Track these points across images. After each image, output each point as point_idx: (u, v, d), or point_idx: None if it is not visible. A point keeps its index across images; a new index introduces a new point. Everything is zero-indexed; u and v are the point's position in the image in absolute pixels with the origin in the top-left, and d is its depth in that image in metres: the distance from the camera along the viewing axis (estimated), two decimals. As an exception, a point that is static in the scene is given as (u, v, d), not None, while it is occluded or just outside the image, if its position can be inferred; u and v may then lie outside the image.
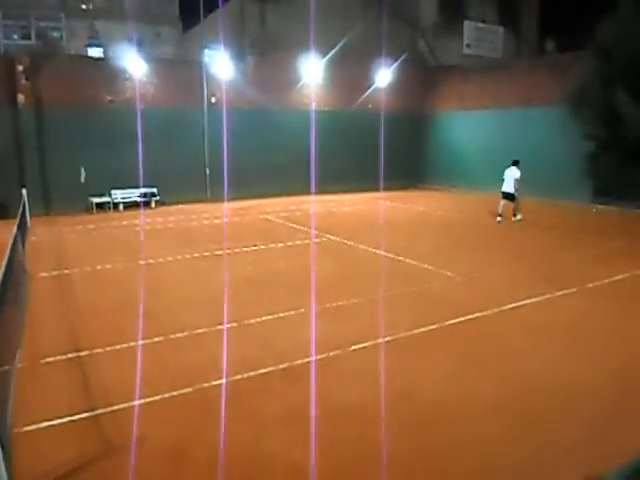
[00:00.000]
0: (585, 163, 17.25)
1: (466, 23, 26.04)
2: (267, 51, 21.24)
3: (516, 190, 15.21)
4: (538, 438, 4.63)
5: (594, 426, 4.82)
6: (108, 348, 6.54)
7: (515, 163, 15.53)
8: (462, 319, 7.53)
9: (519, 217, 15.58)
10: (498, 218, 15.54)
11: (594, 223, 15.82)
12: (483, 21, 26.71)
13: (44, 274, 10.07)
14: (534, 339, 6.94)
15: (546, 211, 17.57)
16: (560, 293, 8.73)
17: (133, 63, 18.18)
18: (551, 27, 26.09)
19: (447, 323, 7.36)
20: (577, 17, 19.96)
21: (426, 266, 10.43)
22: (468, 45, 26.02)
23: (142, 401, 5.21)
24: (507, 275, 9.99)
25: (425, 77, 24.67)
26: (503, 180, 15.59)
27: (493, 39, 26.95)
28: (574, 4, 22.27)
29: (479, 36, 26.44)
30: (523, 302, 8.26)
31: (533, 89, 20.09)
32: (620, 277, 9.65)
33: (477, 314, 7.73)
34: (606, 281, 9.41)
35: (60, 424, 4.85)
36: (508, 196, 15.46)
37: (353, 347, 6.53)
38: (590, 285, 9.16)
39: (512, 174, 15.33)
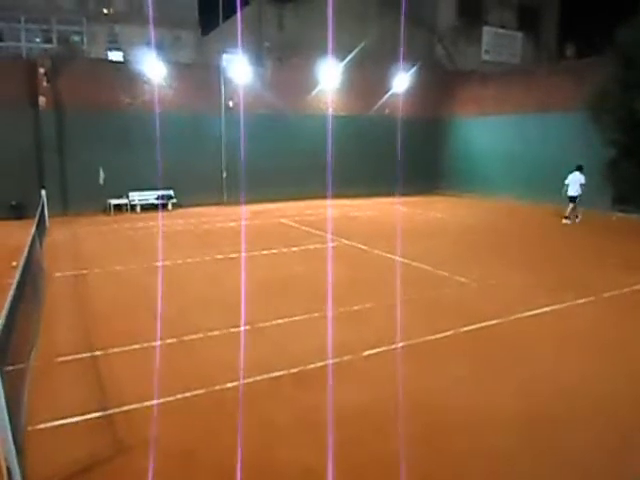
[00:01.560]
0: (605, 170, 17.01)
1: (485, 29, 25.93)
2: (285, 55, 21.33)
3: (580, 194, 16.08)
4: (552, 449, 4.54)
5: (611, 442, 4.72)
6: (122, 348, 6.57)
7: (579, 168, 16.22)
8: (477, 326, 7.44)
9: (578, 220, 16.40)
10: (565, 220, 16.38)
11: (614, 231, 15.57)
12: (502, 27, 26.57)
13: (61, 274, 10.17)
14: (550, 347, 6.83)
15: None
16: (578, 301, 8.59)
17: (152, 67, 18.38)
18: (570, 32, 25.89)
19: (462, 330, 7.27)
20: (597, 22, 19.77)
21: (441, 272, 10.34)
22: (487, 51, 25.88)
23: (154, 402, 5.21)
24: (524, 282, 9.86)
25: (443, 82, 24.56)
26: (566, 185, 16.30)
27: (512, 45, 26.78)
28: (594, 9, 22.06)
29: (498, 42, 26.30)
30: (540, 310, 8.14)
31: (552, 95, 19.90)
32: (640, 286, 9.48)
33: (493, 321, 7.63)
34: (626, 290, 9.24)
35: (73, 423, 4.87)
36: (572, 199, 16.26)
37: (367, 352, 6.48)
38: (609, 294, 9.00)
39: (577, 179, 16.12)
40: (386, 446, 4.50)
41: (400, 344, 6.70)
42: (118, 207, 18.32)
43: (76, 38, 24.14)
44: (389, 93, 22.67)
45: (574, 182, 16.12)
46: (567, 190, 16.21)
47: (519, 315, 7.92)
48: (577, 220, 16.35)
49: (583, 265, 11.29)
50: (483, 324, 7.51)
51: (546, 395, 5.51)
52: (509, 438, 4.72)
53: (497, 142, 22.34)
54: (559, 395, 5.52)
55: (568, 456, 4.46)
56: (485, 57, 25.82)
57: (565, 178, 16.39)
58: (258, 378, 5.77)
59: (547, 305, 8.34)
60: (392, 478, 4.13)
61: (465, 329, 7.30)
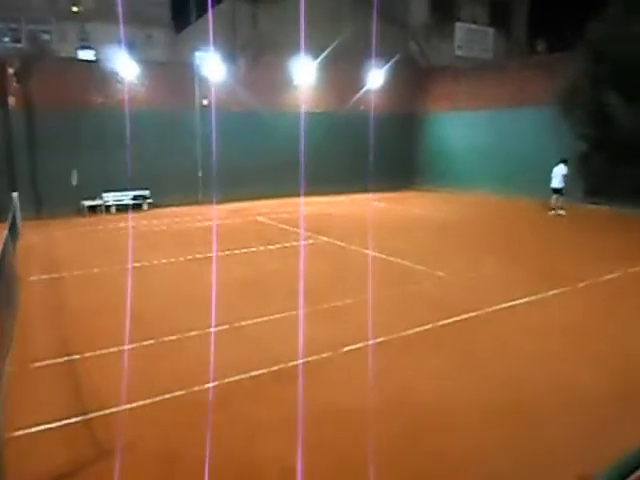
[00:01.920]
0: (576, 163, 17.32)
1: (457, 25, 26.12)
2: (259, 53, 21.22)
3: (563, 186, 16.56)
4: (533, 440, 4.63)
5: (589, 427, 4.83)
6: (99, 352, 6.50)
7: (564, 161, 16.68)
8: (455, 319, 7.53)
9: (562, 212, 16.64)
10: (551, 212, 16.75)
11: (586, 223, 15.89)
12: (474, 22, 26.80)
13: (36, 278, 10.00)
14: (528, 338, 6.95)
15: (537, 211, 17.63)
16: (554, 292, 8.75)
17: (125, 65, 18.12)
18: (541, 28, 26.22)
19: (440, 323, 7.36)
20: (567, 17, 20.07)
21: (419, 267, 10.43)
22: (459, 46, 26.09)
23: (134, 405, 5.17)
24: (500, 275, 10.01)
25: (416, 78, 24.72)
26: (552, 178, 16.81)
27: (484, 40, 27.04)
28: (564, 4, 22.39)
29: (470, 37, 26.52)
30: (517, 302, 8.28)
31: (524, 89, 20.18)
32: (613, 275, 9.69)
33: (470, 314, 7.73)
34: (600, 279, 9.45)
35: (51, 428, 4.81)
36: (557, 191, 16.73)
37: (346, 348, 6.51)
38: (583, 284, 9.20)
39: (560, 171, 16.59)
40: (365, 443, 4.53)
41: (379, 339, 6.75)
42: (93, 209, 18.05)
43: (46, 37, 23.67)
44: (364, 90, 22.73)
45: (557, 174, 16.65)
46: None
47: (496, 307, 8.04)
48: (560, 212, 16.62)
49: (558, 256, 11.50)
50: (461, 317, 7.61)
51: (522, 386, 5.61)
52: (487, 433, 4.80)
53: (471, 137, 22.58)
54: (535, 385, 5.63)
55: (546, 446, 4.55)
56: (458, 53, 26.02)
57: (539, 171, 16.72)
58: (238, 377, 5.76)
59: (524, 297, 8.48)
60: (370, 476, 4.16)
61: (443, 322, 7.39)
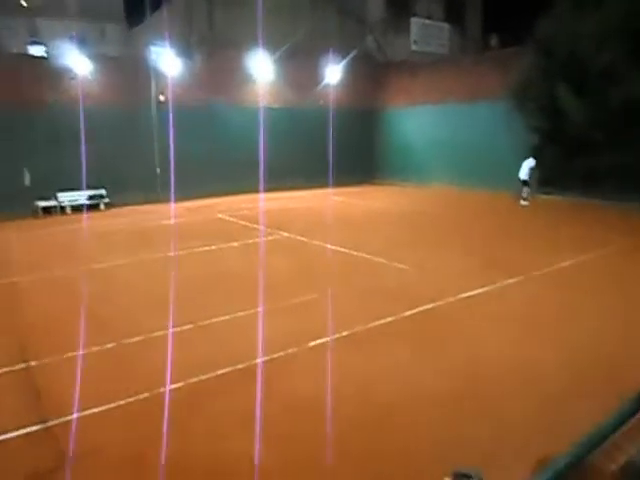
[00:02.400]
0: (530, 155, 17.83)
1: (413, 20, 26.44)
2: (215, 48, 20.98)
3: (530, 177, 17.33)
4: (494, 424, 4.78)
5: (547, 411, 5.02)
6: (58, 357, 6.34)
7: (534, 156, 17.52)
8: (417, 310, 7.68)
9: (525, 203, 17.39)
10: (524, 202, 17.46)
11: (540, 212, 16.39)
12: (429, 18, 27.18)
13: (-12, 283, 9.68)
14: (487, 326, 7.15)
15: (494, 203, 18.10)
16: (510, 281, 9.02)
17: (77, 61, 17.66)
18: (494, 23, 26.83)
19: (403, 315, 7.49)
20: (518, 13, 20.57)
21: (380, 260, 10.57)
22: (415, 41, 26.42)
23: (96, 409, 5.08)
24: (459, 266, 10.24)
25: (374, 73, 24.93)
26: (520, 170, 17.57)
27: (439, 35, 27.46)
28: (516, 1, 22.93)
29: (426, 32, 26.89)
30: (476, 291, 8.50)
31: (479, 84, 20.62)
32: (566, 264, 10.05)
33: (431, 304, 7.90)
34: (553, 268, 9.78)
35: (11, 438, 4.68)
36: (524, 183, 17.48)
37: (311, 343, 6.56)
38: (537, 272, 9.50)
39: (528, 164, 17.37)
40: (330, 438, 4.59)
41: (344, 333, 6.83)
42: (47, 209, 17.54)
43: (-8, 32, 22.80)
44: (322, 85, 22.79)
45: (525, 167, 17.45)
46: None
47: (456, 297, 8.23)
48: (523, 203, 17.40)
49: (513, 246, 11.84)
50: (422, 308, 7.77)
51: (483, 374, 5.78)
52: (450, 418, 4.93)
53: (429, 131, 22.95)
54: (495, 371, 5.81)
55: (509, 430, 4.71)
56: (414, 47, 26.36)
57: (494, 164, 17.18)
58: (203, 377, 5.74)
59: (482, 286, 8.71)
60: (332, 467, 4.23)
61: (405, 314, 7.52)
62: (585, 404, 4.77)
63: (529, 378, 5.64)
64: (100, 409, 5.10)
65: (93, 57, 18.33)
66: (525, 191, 17.51)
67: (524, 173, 17.50)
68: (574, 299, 8.26)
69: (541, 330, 7.01)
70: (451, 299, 8.17)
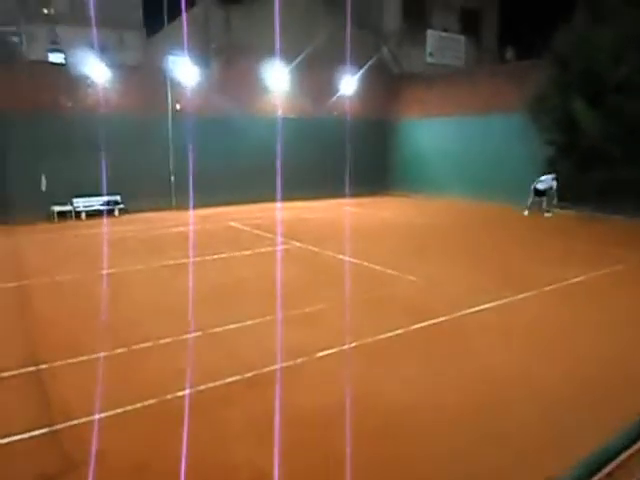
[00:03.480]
0: (544, 168, 17.71)
1: (429, 32, 26.48)
2: (232, 57, 21.17)
3: (551, 189, 17.31)
4: (502, 443, 4.72)
5: (553, 427, 4.95)
6: (69, 361, 6.39)
7: (556, 178, 17.39)
8: (427, 323, 7.63)
9: (549, 214, 17.57)
10: (548, 214, 17.58)
11: (554, 227, 16.24)
12: (445, 30, 27.22)
13: (2, 285, 9.78)
14: (497, 341, 7.08)
15: (506, 216, 17.98)
16: (521, 296, 8.93)
17: (95, 69, 17.90)
18: (510, 36, 26.81)
19: (412, 328, 7.45)
20: (534, 26, 20.55)
21: (391, 271, 10.53)
22: (431, 53, 26.45)
23: (104, 415, 5.10)
24: (469, 279, 10.16)
25: (389, 85, 24.98)
26: (538, 181, 17.47)
27: (455, 48, 27.46)
28: (532, 14, 22.91)
29: (442, 45, 26.91)
30: (487, 305, 8.43)
31: (494, 96, 20.56)
32: (579, 279, 9.94)
33: (441, 318, 7.84)
34: (564, 283, 9.68)
35: (17, 441, 4.71)
36: (540, 193, 17.49)
37: (320, 354, 6.54)
38: (549, 287, 9.40)
39: (548, 178, 17.33)
40: (337, 449, 4.56)
41: (353, 344, 6.80)
42: (62, 214, 17.74)
43: (14, 39, 23.24)
44: (337, 95, 22.88)
45: (545, 180, 17.33)
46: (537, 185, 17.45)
47: (467, 311, 8.17)
48: (525, 213, 17.45)
49: (526, 260, 11.73)
50: (432, 321, 7.71)
51: (492, 390, 5.72)
52: (458, 434, 4.88)
53: (443, 143, 22.89)
54: (504, 387, 5.74)
55: (516, 446, 4.65)
56: (430, 60, 26.38)
57: (508, 177, 17.13)
58: (211, 385, 5.74)
59: (493, 300, 8.63)
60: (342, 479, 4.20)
61: (415, 327, 7.48)
62: (597, 422, 4.70)
63: (538, 395, 5.56)
64: (108, 414, 5.11)
65: (111, 65, 18.57)
66: (535, 202, 17.55)
67: (542, 184, 17.37)
68: (586, 315, 8.16)
69: (550, 346, 6.92)
70: (461, 313, 8.10)
